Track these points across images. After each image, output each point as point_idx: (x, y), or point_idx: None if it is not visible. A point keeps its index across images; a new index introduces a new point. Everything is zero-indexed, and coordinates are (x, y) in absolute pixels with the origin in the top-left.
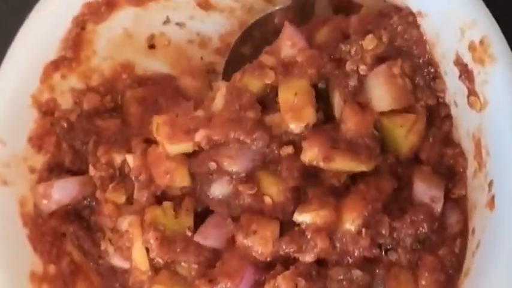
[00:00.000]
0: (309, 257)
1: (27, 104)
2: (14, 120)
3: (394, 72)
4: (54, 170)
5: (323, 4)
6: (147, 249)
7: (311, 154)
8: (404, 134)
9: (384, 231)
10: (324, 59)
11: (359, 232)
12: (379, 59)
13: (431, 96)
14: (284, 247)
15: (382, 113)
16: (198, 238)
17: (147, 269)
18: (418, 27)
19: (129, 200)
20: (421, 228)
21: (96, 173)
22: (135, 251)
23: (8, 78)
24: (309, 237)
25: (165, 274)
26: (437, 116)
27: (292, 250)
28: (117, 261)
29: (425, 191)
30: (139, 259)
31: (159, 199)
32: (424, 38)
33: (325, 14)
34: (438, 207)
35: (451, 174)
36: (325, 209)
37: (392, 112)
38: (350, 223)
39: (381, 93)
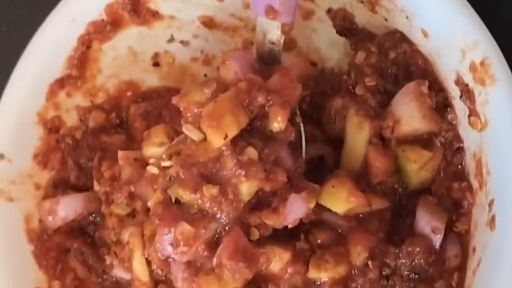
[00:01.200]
0: None
1: (33, 121)
2: (19, 138)
3: (423, 91)
4: (60, 187)
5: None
6: (148, 261)
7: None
8: (416, 170)
9: (389, 262)
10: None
11: (366, 265)
12: (379, 70)
13: (449, 129)
14: None
15: (400, 143)
16: None
17: (147, 280)
18: (406, 40)
19: (133, 214)
20: (416, 260)
21: (100, 188)
22: (135, 261)
23: (14, 95)
24: None
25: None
26: (450, 149)
27: None
28: (119, 273)
29: (428, 221)
30: (139, 269)
31: None
32: (415, 48)
33: None
34: (438, 240)
35: (456, 207)
36: (342, 265)
37: (411, 143)
38: (356, 257)
39: (412, 111)
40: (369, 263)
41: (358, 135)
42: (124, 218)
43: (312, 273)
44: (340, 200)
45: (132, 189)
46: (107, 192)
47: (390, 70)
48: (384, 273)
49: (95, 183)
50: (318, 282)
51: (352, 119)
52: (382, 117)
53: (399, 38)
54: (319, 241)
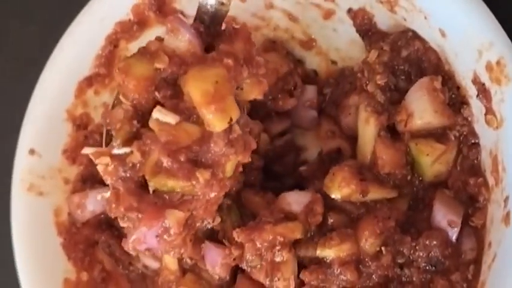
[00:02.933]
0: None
1: (62, 118)
2: (49, 134)
3: (436, 86)
4: (88, 181)
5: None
6: None
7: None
8: (430, 163)
9: (405, 251)
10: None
11: (379, 251)
12: (391, 68)
13: (464, 124)
14: (307, 279)
15: (414, 137)
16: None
17: (176, 269)
18: (419, 38)
19: None
20: (433, 253)
21: None
22: None
23: (44, 93)
24: (337, 271)
25: (190, 277)
26: (465, 144)
27: (316, 283)
28: (148, 261)
29: (445, 215)
30: (168, 259)
31: None
32: (428, 45)
33: None
34: (454, 233)
35: (472, 201)
36: (347, 242)
37: (424, 137)
38: (365, 242)
39: (424, 105)
40: (382, 249)
41: (365, 129)
42: None
43: (320, 251)
44: (335, 186)
45: None
46: None
47: (403, 67)
48: (398, 261)
49: None
50: (328, 260)
51: (361, 115)
52: (393, 112)
53: (412, 36)
54: (331, 221)
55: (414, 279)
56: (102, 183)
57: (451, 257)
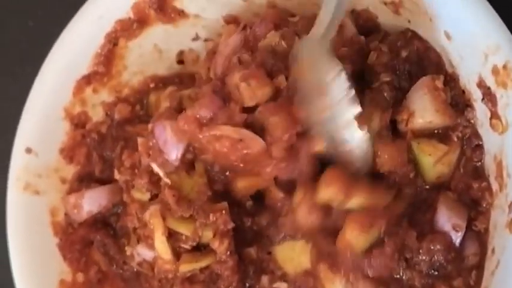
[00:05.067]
0: None
1: (59, 116)
2: (46, 132)
3: (438, 85)
4: (84, 180)
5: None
6: (169, 239)
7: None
8: (432, 164)
9: (411, 244)
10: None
11: (382, 240)
12: (392, 68)
13: (467, 126)
14: None
15: (415, 135)
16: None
17: (169, 258)
18: (418, 38)
19: (153, 199)
20: (436, 257)
21: (121, 176)
22: (156, 240)
23: (42, 91)
24: None
25: (187, 257)
26: (468, 146)
27: None
28: (143, 252)
29: (449, 218)
30: (161, 248)
31: None
32: (428, 45)
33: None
34: (458, 237)
35: (475, 204)
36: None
37: (427, 136)
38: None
39: (425, 104)
40: (385, 239)
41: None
42: (145, 203)
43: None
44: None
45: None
46: (127, 180)
47: (403, 67)
48: (406, 255)
49: (116, 172)
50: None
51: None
52: (393, 111)
53: (411, 37)
54: None
55: (416, 283)
56: (98, 181)
57: (453, 261)
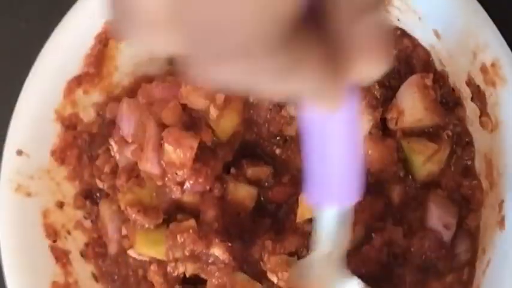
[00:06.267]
0: None
1: (51, 118)
2: (37, 134)
3: (427, 83)
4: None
5: None
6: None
7: None
8: (422, 162)
9: (399, 241)
10: None
11: (369, 235)
12: None
13: (458, 124)
14: None
15: (405, 134)
16: None
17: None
18: (407, 36)
19: None
20: (427, 253)
21: (104, 184)
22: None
23: (33, 92)
24: None
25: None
26: (459, 144)
27: None
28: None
29: (440, 216)
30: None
31: None
32: (417, 43)
33: None
34: (449, 235)
35: (466, 203)
36: None
37: (417, 135)
38: None
39: (414, 102)
40: (372, 235)
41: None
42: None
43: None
44: None
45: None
46: (112, 186)
47: (394, 66)
48: (395, 251)
49: (97, 181)
50: None
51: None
52: (382, 110)
53: (400, 35)
54: None
55: (407, 279)
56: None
57: (444, 258)
